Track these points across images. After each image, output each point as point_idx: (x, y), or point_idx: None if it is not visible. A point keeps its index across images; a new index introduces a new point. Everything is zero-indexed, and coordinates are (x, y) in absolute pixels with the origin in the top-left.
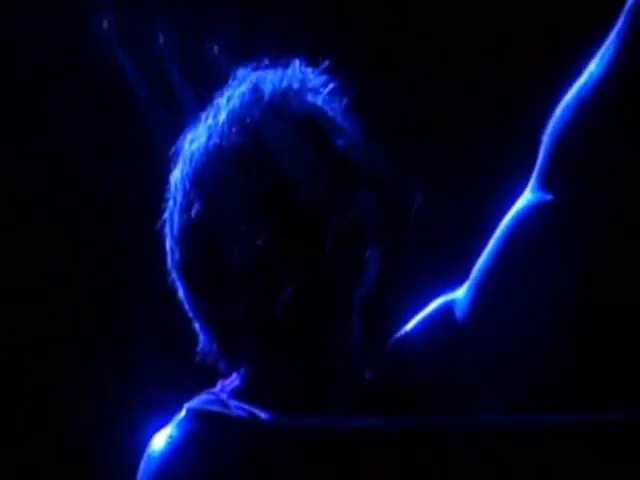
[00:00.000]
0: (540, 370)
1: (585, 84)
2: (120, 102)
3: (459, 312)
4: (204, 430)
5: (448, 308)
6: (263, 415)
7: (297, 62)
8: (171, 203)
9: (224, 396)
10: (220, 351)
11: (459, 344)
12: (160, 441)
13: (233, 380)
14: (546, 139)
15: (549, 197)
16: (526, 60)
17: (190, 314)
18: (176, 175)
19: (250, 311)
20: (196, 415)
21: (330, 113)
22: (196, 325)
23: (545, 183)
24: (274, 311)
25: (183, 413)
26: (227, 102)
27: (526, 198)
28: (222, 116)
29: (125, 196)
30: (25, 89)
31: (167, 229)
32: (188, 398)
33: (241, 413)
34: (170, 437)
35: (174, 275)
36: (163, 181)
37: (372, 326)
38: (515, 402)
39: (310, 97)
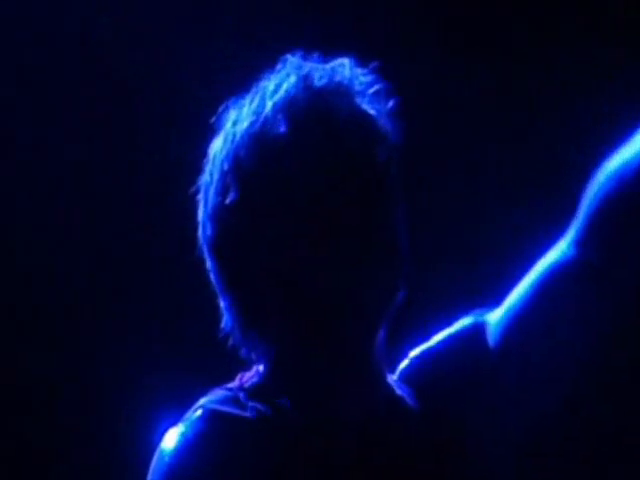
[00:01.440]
0: (563, 414)
1: (630, 162)
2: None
3: (490, 339)
4: (218, 431)
5: (479, 330)
6: (279, 417)
7: (346, 60)
8: (207, 177)
9: (241, 394)
10: (243, 331)
11: (486, 369)
12: (173, 439)
13: (252, 377)
14: (586, 202)
15: (586, 258)
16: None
17: (216, 288)
18: (216, 149)
19: (276, 299)
20: (211, 415)
21: (375, 118)
22: (221, 302)
23: (583, 242)
24: (302, 302)
25: (198, 412)
26: (275, 89)
27: (565, 250)
28: (269, 103)
29: (124, 196)
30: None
31: (201, 201)
32: (202, 393)
33: (256, 415)
34: (183, 436)
35: (204, 247)
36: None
37: (396, 333)
38: (532, 435)
39: (358, 98)
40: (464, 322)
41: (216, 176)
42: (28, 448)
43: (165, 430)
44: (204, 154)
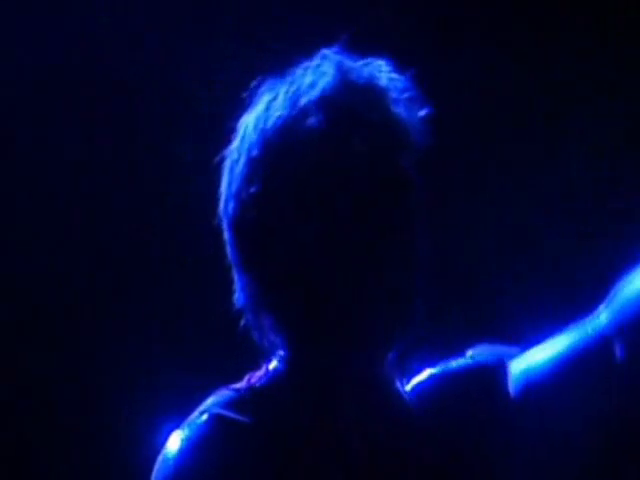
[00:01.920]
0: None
1: None
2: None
3: (511, 386)
4: (222, 437)
5: (501, 372)
6: (285, 422)
7: (383, 63)
8: (235, 154)
9: (248, 396)
10: (256, 312)
11: (502, 414)
12: (177, 442)
13: (260, 377)
14: (629, 292)
15: (618, 352)
16: None
17: (232, 263)
18: (246, 128)
19: (293, 284)
20: (216, 420)
21: (407, 124)
22: (236, 279)
23: (616, 331)
24: (317, 294)
25: (204, 417)
26: (312, 83)
27: (601, 324)
28: (305, 96)
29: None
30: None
31: (225, 175)
32: (207, 394)
33: (262, 419)
34: (188, 440)
35: (224, 221)
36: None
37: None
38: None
39: (394, 102)
40: (488, 355)
41: (243, 159)
42: (28, 448)
43: (169, 432)
44: (204, 155)
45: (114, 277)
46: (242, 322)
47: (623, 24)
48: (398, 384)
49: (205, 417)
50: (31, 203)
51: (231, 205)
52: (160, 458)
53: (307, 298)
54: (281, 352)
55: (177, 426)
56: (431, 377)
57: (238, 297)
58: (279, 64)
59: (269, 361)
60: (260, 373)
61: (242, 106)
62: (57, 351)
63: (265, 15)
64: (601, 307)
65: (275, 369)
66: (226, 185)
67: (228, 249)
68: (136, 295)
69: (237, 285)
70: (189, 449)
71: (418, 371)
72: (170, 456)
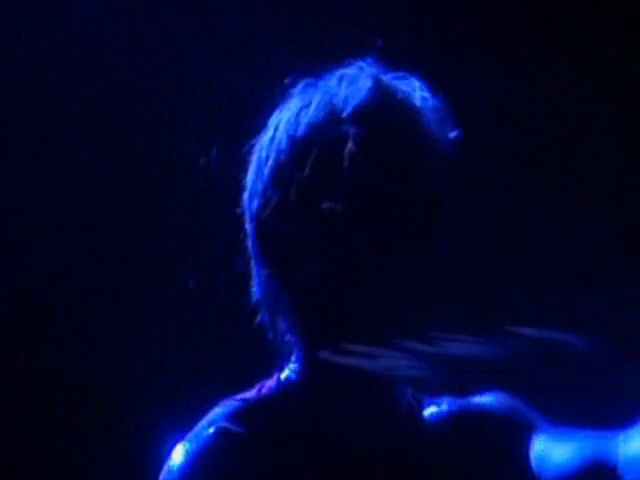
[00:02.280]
0: None
1: None
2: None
3: (532, 456)
4: (228, 451)
5: (528, 437)
6: (292, 435)
7: (416, 81)
8: (263, 153)
9: (255, 406)
10: (273, 310)
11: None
12: (182, 455)
13: (270, 386)
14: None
15: None
16: None
17: (252, 255)
18: (277, 131)
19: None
20: (221, 433)
21: (440, 142)
22: (254, 273)
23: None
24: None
25: (210, 430)
26: (348, 96)
27: (620, 447)
28: (339, 106)
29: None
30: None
31: (252, 170)
32: (213, 404)
33: (268, 431)
34: (193, 453)
35: (246, 214)
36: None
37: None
38: None
39: (429, 121)
40: (518, 412)
41: (271, 162)
42: (28, 448)
43: (174, 442)
44: (204, 155)
45: (115, 277)
46: (257, 321)
47: (624, 24)
48: (413, 402)
49: (211, 430)
50: (31, 203)
51: (255, 202)
52: (164, 470)
53: (326, 296)
54: (293, 358)
55: (182, 437)
56: (456, 404)
57: (255, 292)
58: (279, 64)
59: (281, 370)
60: (271, 383)
61: (272, 104)
62: (57, 351)
63: (265, 15)
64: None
65: (287, 378)
66: (252, 182)
67: (249, 242)
68: (142, 296)
69: (255, 279)
70: (194, 463)
71: (438, 396)
72: (175, 469)
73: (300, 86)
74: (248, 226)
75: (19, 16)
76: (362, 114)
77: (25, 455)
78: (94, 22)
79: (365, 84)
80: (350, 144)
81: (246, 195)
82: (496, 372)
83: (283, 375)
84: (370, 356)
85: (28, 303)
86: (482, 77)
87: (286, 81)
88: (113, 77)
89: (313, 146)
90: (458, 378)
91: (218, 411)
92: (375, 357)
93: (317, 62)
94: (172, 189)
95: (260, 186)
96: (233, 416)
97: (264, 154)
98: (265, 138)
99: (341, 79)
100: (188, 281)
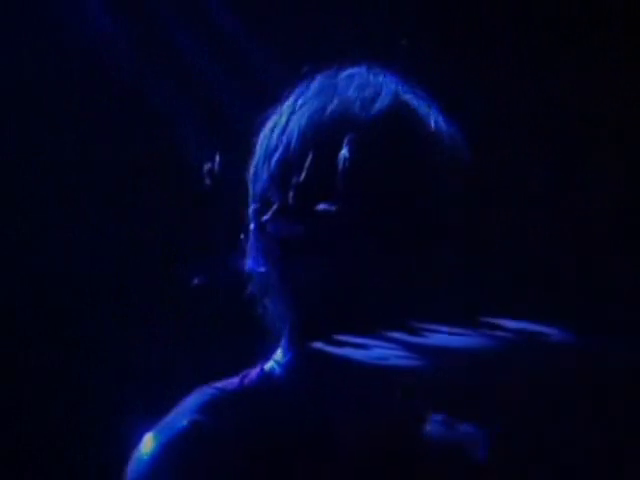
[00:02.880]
0: None
1: None
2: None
3: None
4: (198, 443)
5: None
6: (270, 427)
7: (427, 95)
8: (267, 153)
9: (233, 396)
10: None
11: None
12: (150, 445)
13: (252, 376)
14: None
15: None
16: None
17: (250, 254)
18: (287, 127)
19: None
20: (192, 425)
21: (461, 151)
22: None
23: None
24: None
25: (183, 421)
26: (366, 99)
27: None
28: (352, 110)
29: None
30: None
31: (252, 171)
32: (182, 394)
33: (243, 422)
34: (162, 444)
35: (251, 208)
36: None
37: None
38: None
39: (438, 142)
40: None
41: (275, 160)
42: (28, 448)
43: (143, 433)
44: (205, 155)
45: (114, 277)
46: (257, 321)
47: (625, 24)
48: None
49: (184, 422)
50: (31, 203)
51: (257, 203)
52: (132, 460)
53: (323, 292)
54: (279, 350)
55: (151, 427)
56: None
57: (251, 288)
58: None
59: (266, 361)
60: (253, 373)
61: (279, 101)
62: (57, 351)
63: (265, 16)
64: None
65: (271, 369)
66: (251, 181)
67: (248, 241)
68: (142, 296)
69: (252, 276)
70: (162, 455)
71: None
72: (143, 460)
73: (315, 84)
74: (249, 225)
75: (19, 16)
76: (377, 123)
77: (25, 455)
78: (94, 22)
79: (381, 91)
80: (353, 149)
81: (250, 199)
82: (481, 363)
83: (267, 366)
84: (361, 347)
85: (28, 303)
86: (482, 77)
87: (302, 72)
88: (113, 77)
89: (317, 148)
90: (445, 369)
91: (190, 401)
92: (366, 348)
93: (317, 62)
94: (172, 189)
95: (261, 185)
96: (206, 406)
97: (268, 153)
98: (269, 137)
99: (350, 79)
100: (188, 281)
